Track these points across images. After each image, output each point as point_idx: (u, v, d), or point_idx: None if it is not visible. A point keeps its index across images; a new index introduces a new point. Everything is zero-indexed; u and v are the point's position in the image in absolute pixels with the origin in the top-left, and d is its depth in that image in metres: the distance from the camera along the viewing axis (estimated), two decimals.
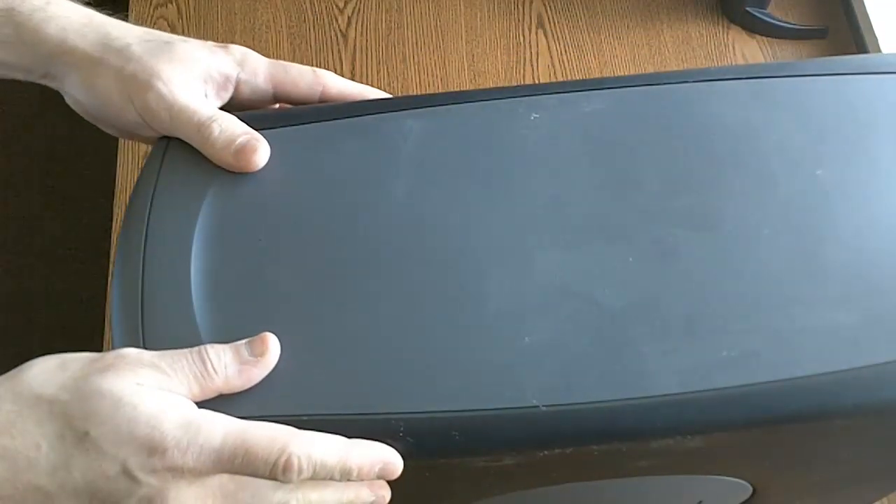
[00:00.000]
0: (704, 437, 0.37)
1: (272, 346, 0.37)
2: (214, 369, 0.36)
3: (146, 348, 0.37)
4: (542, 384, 0.36)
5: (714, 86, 0.44)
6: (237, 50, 0.47)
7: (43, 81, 0.46)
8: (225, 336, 0.37)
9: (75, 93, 0.45)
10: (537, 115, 0.43)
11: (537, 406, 0.36)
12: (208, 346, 0.37)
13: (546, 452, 0.37)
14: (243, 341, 0.37)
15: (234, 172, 0.42)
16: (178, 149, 0.43)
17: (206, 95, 0.45)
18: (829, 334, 0.37)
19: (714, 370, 0.36)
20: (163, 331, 0.38)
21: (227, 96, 0.46)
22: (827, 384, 0.36)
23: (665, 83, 0.44)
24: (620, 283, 0.38)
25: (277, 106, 0.49)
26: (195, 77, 0.44)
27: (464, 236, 0.40)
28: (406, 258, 0.39)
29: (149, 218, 0.41)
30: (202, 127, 0.42)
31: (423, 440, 0.36)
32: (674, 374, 0.36)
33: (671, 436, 0.36)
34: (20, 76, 0.47)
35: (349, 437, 0.36)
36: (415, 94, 0.79)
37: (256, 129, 0.43)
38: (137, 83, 0.43)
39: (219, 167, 0.42)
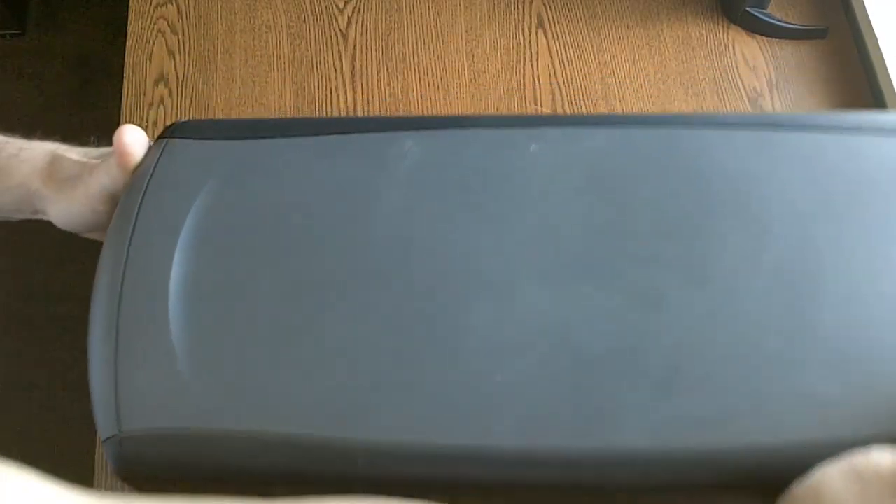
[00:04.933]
0: (666, 493, 0.37)
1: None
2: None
3: (118, 343, 0.38)
4: (507, 425, 0.36)
5: (720, 133, 0.43)
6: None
7: (35, 217, 0.50)
8: (196, 340, 0.38)
9: (62, 222, 0.48)
10: (536, 147, 0.42)
11: (499, 447, 0.35)
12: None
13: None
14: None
15: (225, 182, 0.42)
16: (172, 154, 0.43)
17: None
18: (805, 403, 0.36)
19: (684, 429, 0.35)
20: (135, 329, 0.38)
21: None
22: (795, 452, 0.36)
23: (670, 126, 0.43)
24: (602, 329, 0.37)
25: None
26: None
27: (448, 264, 0.39)
28: (388, 281, 0.39)
29: (135, 222, 0.41)
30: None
31: (382, 467, 0.36)
32: (642, 428, 0.35)
33: (633, 490, 0.36)
34: (15, 216, 0.50)
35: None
36: (414, 95, 0.79)
37: (255, 138, 0.43)
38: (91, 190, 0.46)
39: (210, 175, 0.42)
